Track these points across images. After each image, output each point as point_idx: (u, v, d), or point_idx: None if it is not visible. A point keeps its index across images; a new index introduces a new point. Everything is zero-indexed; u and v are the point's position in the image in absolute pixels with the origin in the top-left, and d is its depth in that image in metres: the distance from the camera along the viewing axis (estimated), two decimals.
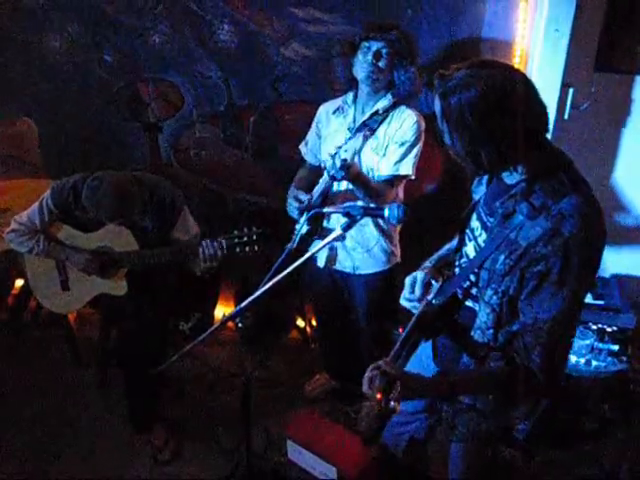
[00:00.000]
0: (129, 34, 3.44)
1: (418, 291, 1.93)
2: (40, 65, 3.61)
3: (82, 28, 3.48)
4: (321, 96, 3.08)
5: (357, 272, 2.96)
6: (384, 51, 2.61)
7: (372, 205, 2.72)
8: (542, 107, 1.64)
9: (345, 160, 2.55)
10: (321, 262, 3.00)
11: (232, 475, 2.87)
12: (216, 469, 3.02)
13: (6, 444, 3.15)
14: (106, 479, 2.99)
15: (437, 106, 1.64)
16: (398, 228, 2.97)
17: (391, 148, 2.72)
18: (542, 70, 3.00)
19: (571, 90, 3.15)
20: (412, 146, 2.71)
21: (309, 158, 3.06)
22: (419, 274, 1.96)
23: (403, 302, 1.97)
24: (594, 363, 3.04)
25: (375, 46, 2.61)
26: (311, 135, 3.01)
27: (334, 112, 2.87)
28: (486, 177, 1.91)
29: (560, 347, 1.75)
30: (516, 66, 3.01)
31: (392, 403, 1.60)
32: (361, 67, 2.65)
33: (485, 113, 1.56)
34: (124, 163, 3.72)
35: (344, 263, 2.96)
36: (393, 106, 2.72)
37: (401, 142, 2.70)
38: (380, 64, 2.62)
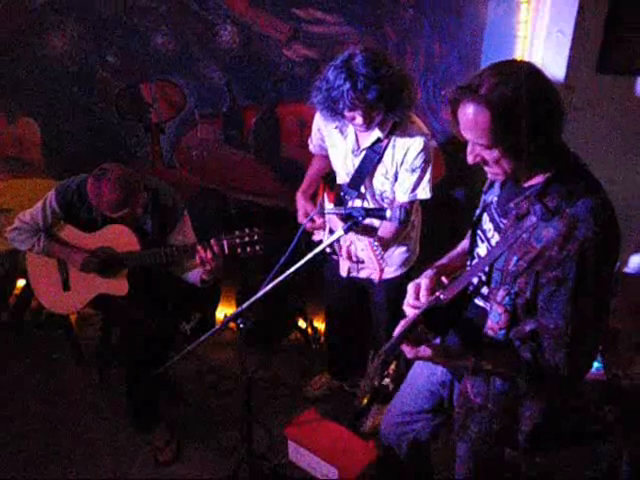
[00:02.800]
0: (131, 35, 3.44)
1: (423, 298, 1.92)
2: (42, 65, 3.61)
3: (84, 29, 3.48)
4: None
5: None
6: (371, 112, 2.45)
7: (374, 207, 2.73)
8: (562, 105, 1.63)
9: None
10: (343, 272, 2.97)
11: (233, 476, 2.87)
12: (217, 470, 3.02)
13: (6, 444, 3.15)
14: (107, 479, 2.99)
15: (470, 115, 1.58)
16: (419, 227, 2.95)
17: (403, 175, 2.66)
18: (544, 71, 3.00)
19: (573, 91, 3.14)
20: (424, 171, 2.64)
21: (316, 151, 3.03)
22: (423, 281, 1.95)
23: (407, 309, 1.94)
24: (595, 365, 3.03)
25: (359, 116, 2.45)
26: (314, 134, 2.96)
27: (334, 128, 2.75)
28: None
29: (584, 349, 1.75)
30: None
31: (386, 380, 1.63)
32: (353, 125, 2.57)
33: (528, 103, 1.53)
34: (126, 164, 3.71)
35: (366, 270, 2.94)
36: (394, 127, 2.61)
37: (412, 169, 2.63)
38: (371, 120, 2.49)
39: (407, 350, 1.74)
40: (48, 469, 3.03)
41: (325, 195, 2.93)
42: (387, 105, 2.44)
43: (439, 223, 3.12)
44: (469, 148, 1.67)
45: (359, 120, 2.48)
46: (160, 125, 3.69)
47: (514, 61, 1.65)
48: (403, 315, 1.92)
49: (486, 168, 1.71)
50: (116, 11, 3.39)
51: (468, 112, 1.58)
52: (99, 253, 2.98)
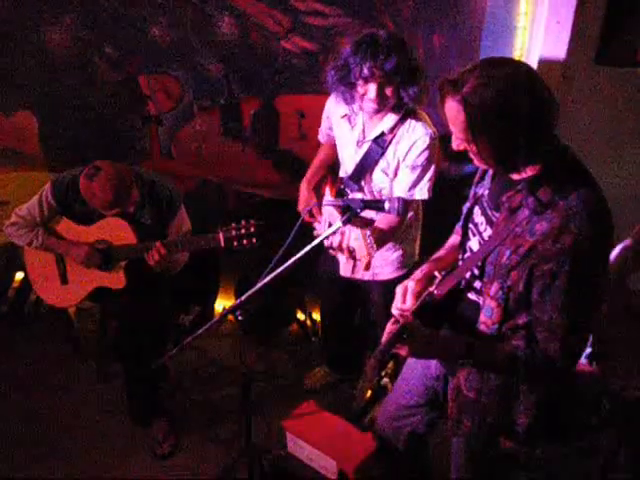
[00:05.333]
0: (129, 26, 3.42)
1: (409, 301, 1.93)
2: (40, 57, 3.59)
3: (82, 20, 3.47)
4: (321, 89, 3.08)
5: (376, 278, 2.94)
6: (386, 87, 2.43)
7: (372, 198, 2.73)
8: (554, 102, 1.63)
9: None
10: (342, 271, 2.95)
11: (232, 468, 2.88)
12: (216, 462, 3.02)
13: (4, 438, 3.15)
14: (105, 473, 3.00)
15: (451, 110, 1.62)
16: (419, 228, 2.94)
17: (403, 171, 2.63)
18: (543, 62, 2.99)
19: (572, 83, 3.14)
20: (425, 170, 2.61)
21: (325, 140, 3.01)
22: (410, 284, 1.96)
23: (394, 311, 1.96)
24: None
25: (374, 87, 2.42)
26: (323, 122, 2.95)
27: (343, 116, 2.75)
28: (490, 172, 1.90)
29: (578, 339, 1.76)
30: (517, 58, 3.00)
31: (385, 380, 1.63)
32: (365, 104, 2.52)
33: (508, 111, 1.55)
34: (124, 156, 3.71)
35: (364, 271, 2.93)
36: (401, 120, 2.59)
37: (412, 166, 2.60)
38: (383, 97, 2.47)
39: (401, 350, 1.74)
40: (46, 462, 3.03)
41: (327, 189, 2.93)
42: (402, 80, 2.42)
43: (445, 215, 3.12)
44: (453, 136, 1.70)
45: (372, 94, 2.44)
46: (158, 117, 3.68)
47: (507, 62, 1.64)
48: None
49: (470, 155, 1.72)
50: (114, 2, 3.38)
51: (450, 106, 1.62)
52: (99, 246, 2.98)
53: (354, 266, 2.92)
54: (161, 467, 3.04)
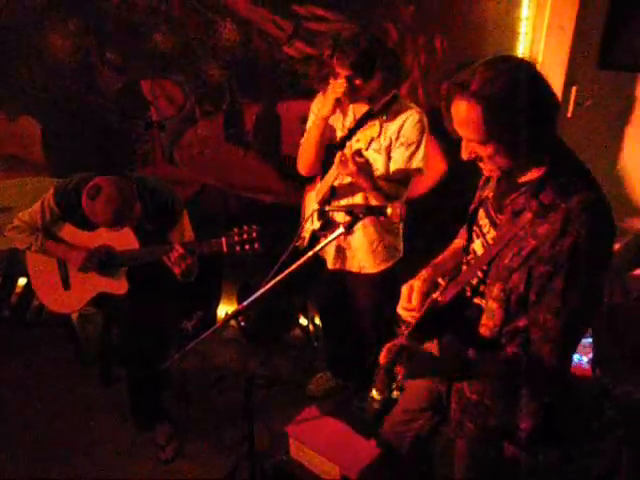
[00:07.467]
0: (132, 32, 3.43)
1: (415, 300, 1.92)
2: (43, 63, 3.60)
3: (85, 26, 3.48)
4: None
5: (363, 271, 2.98)
6: (350, 80, 2.58)
7: (375, 204, 2.73)
8: (557, 101, 1.64)
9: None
10: (330, 264, 3.01)
11: (235, 473, 2.87)
12: (219, 467, 3.01)
13: (7, 442, 3.15)
14: (108, 477, 2.99)
15: (462, 112, 1.61)
16: (401, 224, 2.97)
17: (398, 150, 2.71)
18: (545, 67, 3.00)
19: (574, 88, 3.14)
20: (419, 145, 2.71)
21: None
22: (416, 283, 1.95)
23: (400, 311, 1.96)
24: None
25: (341, 84, 2.59)
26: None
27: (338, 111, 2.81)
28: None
29: (571, 342, 1.76)
30: None
31: (395, 392, 1.63)
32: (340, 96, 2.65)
33: (516, 106, 1.55)
34: (127, 161, 3.72)
35: (351, 262, 2.98)
36: (390, 101, 2.70)
37: (407, 144, 2.69)
38: (353, 89, 2.60)
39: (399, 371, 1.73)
40: (49, 467, 3.03)
41: (307, 197, 3.01)
42: (365, 72, 2.57)
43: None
44: (463, 144, 1.68)
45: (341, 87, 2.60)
46: (161, 122, 3.68)
47: (507, 57, 1.67)
48: (388, 311, 1.92)
49: (481, 164, 1.71)
50: (117, 8, 3.39)
51: (460, 109, 1.60)
52: (98, 252, 2.98)
53: (343, 258, 2.97)
54: (164, 472, 3.04)
